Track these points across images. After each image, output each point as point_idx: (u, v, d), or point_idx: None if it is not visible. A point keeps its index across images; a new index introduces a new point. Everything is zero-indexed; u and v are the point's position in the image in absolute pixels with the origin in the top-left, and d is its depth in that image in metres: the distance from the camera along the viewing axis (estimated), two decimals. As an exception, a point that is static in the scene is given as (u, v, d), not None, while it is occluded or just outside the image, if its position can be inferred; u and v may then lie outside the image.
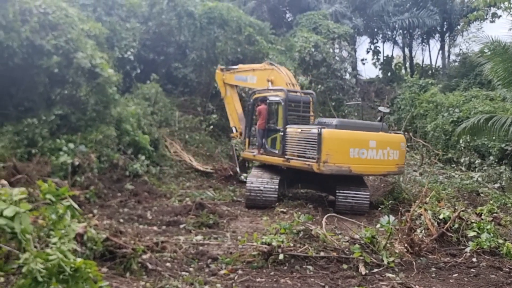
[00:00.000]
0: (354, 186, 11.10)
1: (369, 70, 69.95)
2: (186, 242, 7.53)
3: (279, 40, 25.05)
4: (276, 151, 11.63)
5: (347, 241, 7.27)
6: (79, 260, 4.32)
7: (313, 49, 22.73)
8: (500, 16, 26.66)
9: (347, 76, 24.42)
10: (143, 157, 13.00)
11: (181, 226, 8.81)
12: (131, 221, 9.05)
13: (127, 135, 12.88)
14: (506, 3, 18.68)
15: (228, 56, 20.35)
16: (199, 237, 8.02)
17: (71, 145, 11.23)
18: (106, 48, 15.86)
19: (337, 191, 10.98)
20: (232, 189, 13.27)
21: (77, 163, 10.79)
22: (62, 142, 11.28)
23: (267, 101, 12.24)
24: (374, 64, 36.29)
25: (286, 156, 11.12)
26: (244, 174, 14.37)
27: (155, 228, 8.68)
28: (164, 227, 8.79)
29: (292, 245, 6.74)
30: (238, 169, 14.83)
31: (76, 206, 4.52)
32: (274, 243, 6.50)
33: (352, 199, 10.86)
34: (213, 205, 10.61)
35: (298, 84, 14.42)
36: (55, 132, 11.73)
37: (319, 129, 10.18)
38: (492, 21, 29.03)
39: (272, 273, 6.18)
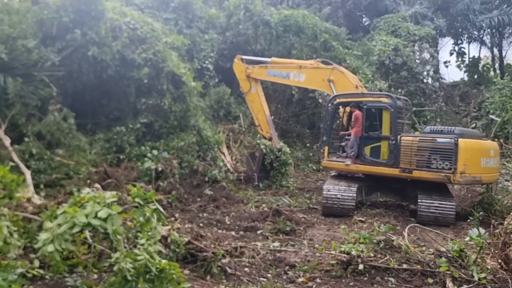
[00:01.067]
0: (438, 195, 10.50)
1: (452, 73, 66.21)
2: (264, 248, 7.59)
3: (356, 45, 24.59)
4: (383, 161, 10.98)
5: (432, 254, 6.88)
6: (164, 261, 4.53)
7: (392, 53, 21.99)
8: None
9: (429, 80, 23.26)
10: (221, 163, 13.36)
11: (258, 232, 8.89)
12: (210, 226, 9.32)
13: (207, 142, 13.33)
14: None
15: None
16: (276, 244, 8.04)
17: (155, 152, 11.87)
18: (186, 60, 16.63)
19: (419, 200, 10.44)
20: (308, 197, 13.17)
21: (160, 168, 11.36)
22: (147, 149, 11.97)
23: (365, 106, 11.21)
24: (458, 66, 34.16)
25: (401, 167, 10.47)
26: (262, 183, 13.88)
27: (233, 233, 8.85)
28: (241, 232, 8.94)
29: (372, 255, 6.52)
30: (256, 176, 14.01)
31: (161, 209, 4.74)
32: (354, 253, 6.33)
33: (436, 209, 10.25)
34: (290, 212, 10.60)
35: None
36: (141, 139, 12.49)
37: (455, 139, 9.85)
38: None
39: (351, 283, 6.02)
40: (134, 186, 4.91)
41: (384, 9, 28.77)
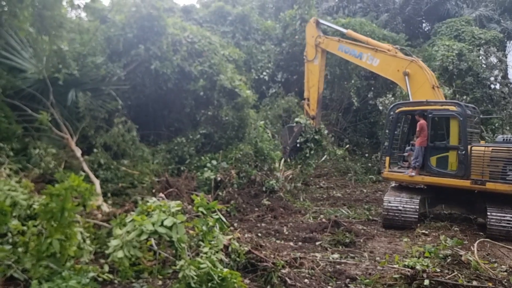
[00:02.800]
0: (510, 208, 9.84)
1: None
2: (323, 260, 7.48)
3: (415, 51, 23.83)
4: (451, 172, 10.49)
5: (505, 271, 6.45)
6: (225, 270, 4.60)
7: (456, 58, 21.07)
8: None
9: (497, 86, 22.02)
10: (278, 174, 13.38)
11: (317, 243, 8.79)
12: (269, 236, 9.34)
13: (263, 153, 13.43)
14: None
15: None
16: (336, 255, 7.90)
17: (214, 162, 12.13)
18: (244, 71, 16.92)
19: (488, 213, 9.84)
20: (367, 208, 12.84)
21: (219, 178, 11.58)
22: (206, 159, 12.26)
23: (430, 115, 10.76)
24: (529, 70, 32.02)
25: (473, 178, 10.01)
26: (291, 158, 13.69)
27: (291, 243, 8.81)
28: (300, 243, 8.88)
29: (438, 270, 6.20)
30: (288, 150, 13.88)
31: (224, 219, 4.83)
32: (418, 267, 6.06)
33: (508, 223, 9.61)
34: (348, 224, 10.39)
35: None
36: (200, 150, 12.82)
37: None
38: None
39: (416, 299, 5.77)
40: (197, 195, 5.04)
41: (446, 13, 27.68)
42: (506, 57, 27.43)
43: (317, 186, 15.86)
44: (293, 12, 20.63)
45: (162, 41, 12.17)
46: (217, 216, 4.71)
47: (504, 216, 9.63)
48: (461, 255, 6.49)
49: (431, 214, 11.43)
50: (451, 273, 6.16)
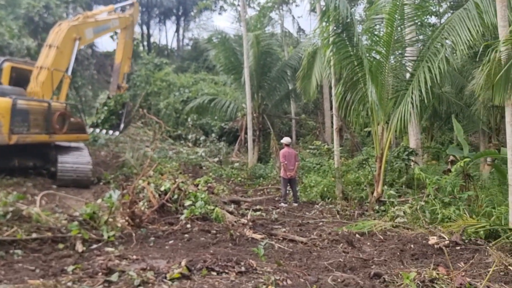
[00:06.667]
0: (75, 157, 10.61)
1: (107, 43, 68.07)
2: None
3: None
4: None
5: (66, 219, 6.85)
6: None
7: (44, 10, 20.39)
8: (226, 10, 30.09)
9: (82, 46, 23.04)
10: None
11: None
12: None
13: None
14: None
15: None
16: None
17: None
18: None
19: (59, 163, 10.25)
20: None
21: None
22: None
23: None
24: (111, 37, 35.28)
25: None
26: None
27: None
28: None
29: (-2, 229, 5.89)
30: None
31: None
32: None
33: (74, 172, 10.34)
34: None
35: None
36: None
37: None
38: (220, 13, 32.53)
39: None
40: None
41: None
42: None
43: None
44: None
45: None
46: None
47: (71, 166, 10.28)
48: (22, 210, 6.41)
49: (4, 169, 10.72)
50: (11, 229, 5.99)
